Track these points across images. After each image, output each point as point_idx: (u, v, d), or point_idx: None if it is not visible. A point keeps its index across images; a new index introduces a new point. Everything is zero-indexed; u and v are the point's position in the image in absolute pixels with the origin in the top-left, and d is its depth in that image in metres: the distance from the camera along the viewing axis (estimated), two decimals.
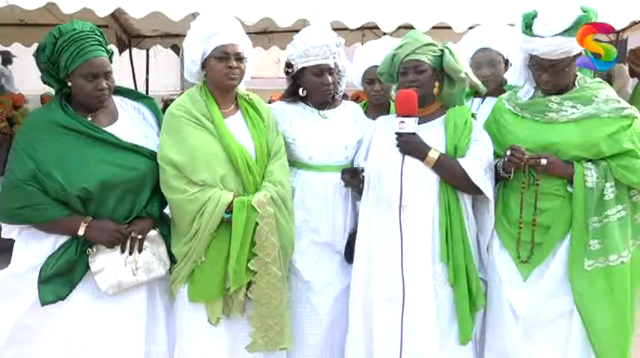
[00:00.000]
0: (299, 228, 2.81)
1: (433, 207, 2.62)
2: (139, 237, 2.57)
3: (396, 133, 2.60)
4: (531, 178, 2.58)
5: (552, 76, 2.57)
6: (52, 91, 2.67)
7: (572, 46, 2.49)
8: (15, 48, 6.94)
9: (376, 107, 3.17)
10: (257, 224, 2.58)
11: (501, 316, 2.67)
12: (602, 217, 2.55)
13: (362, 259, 2.73)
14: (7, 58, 6.80)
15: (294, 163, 2.90)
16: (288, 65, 2.91)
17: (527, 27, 2.57)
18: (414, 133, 2.59)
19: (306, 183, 2.87)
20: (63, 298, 2.46)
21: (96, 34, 2.51)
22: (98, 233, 2.47)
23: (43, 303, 2.43)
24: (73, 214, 2.46)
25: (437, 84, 2.65)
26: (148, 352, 2.63)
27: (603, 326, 2.54)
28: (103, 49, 2.53)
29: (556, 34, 2.50)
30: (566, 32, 2.49)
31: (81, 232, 2.45)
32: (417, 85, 2.59)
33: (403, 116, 2.58)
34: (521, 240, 2.62)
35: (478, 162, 2.60)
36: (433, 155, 2.59)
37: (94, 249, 2.50)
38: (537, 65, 2.59)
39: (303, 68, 2.86)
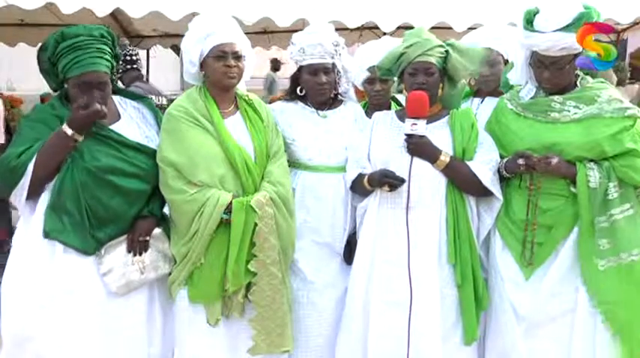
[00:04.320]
0: (299, 228, 2.81)
1: (441, 208, 2.63)
2: (147, 238, 2.59)
3: (407, 135, 2.59)
4: (535, 180, 2.58)
5: (553, 74, 2.57)
6: (50, 91, 2.68)
7: (572, 42, 2.49)
8: (19, 48, 6.94)
9: (376, 107, 3.15)
10: (256, 225, 2.58)
11: (503, 316, 2.66)
12: (608, 216, 2.54)
13: (364, 260, 2.72)
14: None
15: (293, 164, 2.90)
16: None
17: (529, 23, 2.58)
18: (424, 135, 2.58)
19: (306, 184, 2.87)
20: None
21: (102, 43, 2.51)
22: (77, 115, 2.41)
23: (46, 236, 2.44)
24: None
25: (441, 85, 2.65)
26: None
27: (627, 319, 2.54)
28: (105, 59, 2.51)
29: (556, 30, 2.50)
30: (566, 28, 2.49)
31: (69, 131, 2.39)
32: (426, 87, 2.59)
33: (414, 118, 2.57)
34: (526, 241, 2.62)
35: (487, 165, 2.62)
36: (444, 158, 2.59)
37: (103, 251, 2.52)
38: (539, 62, 2.59)
39: (301, 67, 2.87)
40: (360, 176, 2.73)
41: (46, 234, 2.45)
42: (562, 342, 2.60)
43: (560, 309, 2.60)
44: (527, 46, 2.63)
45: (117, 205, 2.52)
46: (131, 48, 4.54)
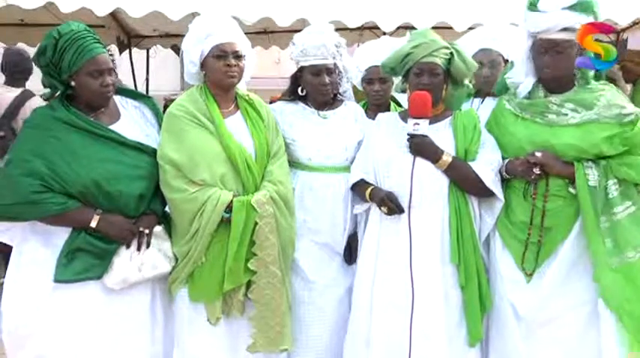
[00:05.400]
0: (299, 228, 2.81)
1: (443, 208, 2.63)
2: (147, 231, 2.58)
3: (409, 134, 2.60)
4: (539, 187, 2.58)
5: (553, 60, 2.55)
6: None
7: (574, 22, 2.49)
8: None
9: (376, 107, 3.16)
10: (256, 223, 2.59)
11: (503, 316, 2.66)
12: (610, 216, 2.53)
13: (368, 261, 2.72)
14: None
15: (293, 164, 2.90)
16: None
17: (533, 4, 2.58)
18: (426, 135, 2.59)
19: (305, 184, 2.87)
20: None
21: (93, 33, 2.53)
22: (109, 226, 2.48)
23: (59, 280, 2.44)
24: (82, 206, 2.46)
25: (445, 86, 2.66)
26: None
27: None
28: (103, 46, 2.54)
29: (559, 8, 2.50)
30: (570, 8, 2.50)
31: (93, 224, 2.45)
32: (430, 87, 2.60)
33: (416, 117, 2.57)
34: (530, 244, 2.61)
35: (490, 166, 2.62)
36: (446, 158, 2.60)
37: None
38: (540, 48, 2.57)
39: (303, 67, 2.87)
40: (363, 183, 2.74)
41: (75, 279, 2.45)
42: (562, 343, 2.59)
43: (560, 309, 2.59)
44: (529, 32, 2.61)
45: (126, 214, 2.53)
46: (108, 47, 4.51)
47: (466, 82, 2.71)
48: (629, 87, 5.68)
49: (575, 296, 2.59)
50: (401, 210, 2.59)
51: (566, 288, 2.59)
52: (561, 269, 2.59)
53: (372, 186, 2.70)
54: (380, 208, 2.64)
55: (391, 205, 2.59)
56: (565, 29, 2.52)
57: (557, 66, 2.57)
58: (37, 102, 4.36)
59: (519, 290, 2.63)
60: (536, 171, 2.54)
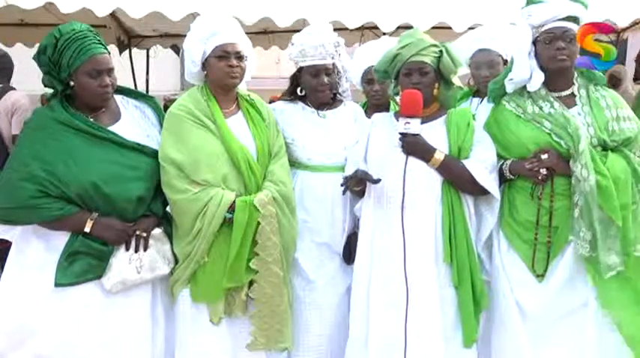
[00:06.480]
0: (299, 228, 2.81)
1: (436, 207, 2.62)
2: (144, 234, 2.57)
3: (401, 134, 2.59)
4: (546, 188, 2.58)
5: (567, 46, 2.52)
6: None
7: (576, 11, 2.48)
8: (17, 48, 6.93)
9: (375, 107, 3.17)
10: (259, 223, 2.59)
11: (508, 316, 2.64)
12: None
13: (364, 261, 2.71)
14: None
15: (293, 164, 2.90)
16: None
17: None
18: (418, 134, 2.58)
19: (305, 183, 2.87)
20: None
21: (95, 34, 2.53)
22: (104, 230, 2.47)
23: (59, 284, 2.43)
24: (79, 211, 2.46)
25: (436, 85, 2.65)
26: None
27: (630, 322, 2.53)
28: (104, 46, 2.54)
29: None
30: None
31: (87, 229, 2.45)
32: (420, 86, 2.59)
33: (408, 117, 2.57)
34: (539, 244, 2.60)
35: (483, 164, 2.60)
36: (439, 156, 2.58)
37: None
38: (547, 38, 2.55)
39: (301, 68, 2.87)
40: None
41: (76, 282, 2.45)
42: (571, 342, 2.57)
43: (568, 308, 2.58)
44: (532, 26, 2.59)
45: (125, 216, 2.53)
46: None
47: (454, 79, 2.69)
48: (631, 86, 5.66)
49: (581, 294, 2.58)
50: (374, 182, 2.57)
51: (573, 287, 2.58)
52: (568, 268, 2.58)
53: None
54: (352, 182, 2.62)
55: (357, 178, 2.57)
56: (568, 18, 2.51)
57: (567, 52, 2.53)
58: (17, 95, 4.50)
59: (526, 290, 2.61)
60: (544, 171, 2.53)
